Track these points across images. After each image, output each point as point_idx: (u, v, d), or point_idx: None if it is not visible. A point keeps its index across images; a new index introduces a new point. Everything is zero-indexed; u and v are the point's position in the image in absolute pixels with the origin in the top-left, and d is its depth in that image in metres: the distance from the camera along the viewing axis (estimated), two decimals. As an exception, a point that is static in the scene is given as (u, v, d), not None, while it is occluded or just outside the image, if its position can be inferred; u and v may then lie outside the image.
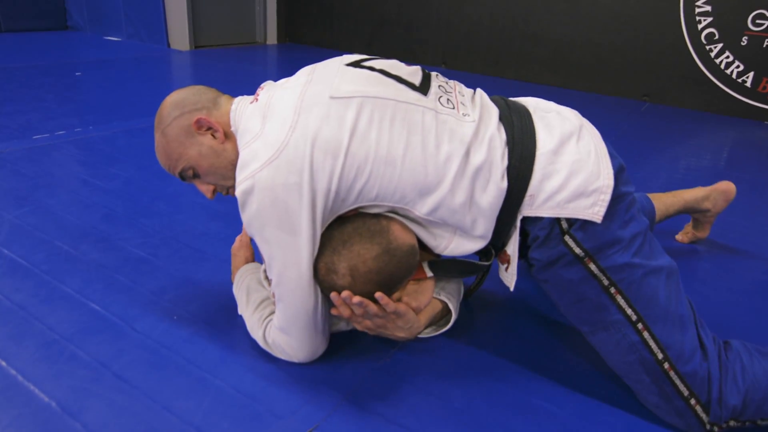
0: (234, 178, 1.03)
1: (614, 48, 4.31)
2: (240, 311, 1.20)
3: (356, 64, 1.06)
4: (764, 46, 3.78)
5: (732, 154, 3.31)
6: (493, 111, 1.05)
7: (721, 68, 3.97)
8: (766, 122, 3.92)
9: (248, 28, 5.87)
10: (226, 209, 1.84)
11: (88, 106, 3.04)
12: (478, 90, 1.14)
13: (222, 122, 1.07)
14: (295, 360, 1.09)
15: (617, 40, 4.28)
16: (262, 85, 1.11)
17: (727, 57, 3.92)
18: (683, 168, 2.90)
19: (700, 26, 3.96)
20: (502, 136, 1.00)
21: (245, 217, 0.97)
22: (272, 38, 6.00)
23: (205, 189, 1.13)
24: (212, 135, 1.07)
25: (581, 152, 0.99)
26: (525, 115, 1.06)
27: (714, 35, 3.92)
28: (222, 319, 1.26)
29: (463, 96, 1.08)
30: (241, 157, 0.97)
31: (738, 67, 3.91)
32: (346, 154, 0.93)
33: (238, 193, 0.95)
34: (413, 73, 1.07)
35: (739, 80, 3.93)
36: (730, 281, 1.64)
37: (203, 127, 1.06)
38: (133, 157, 2.27)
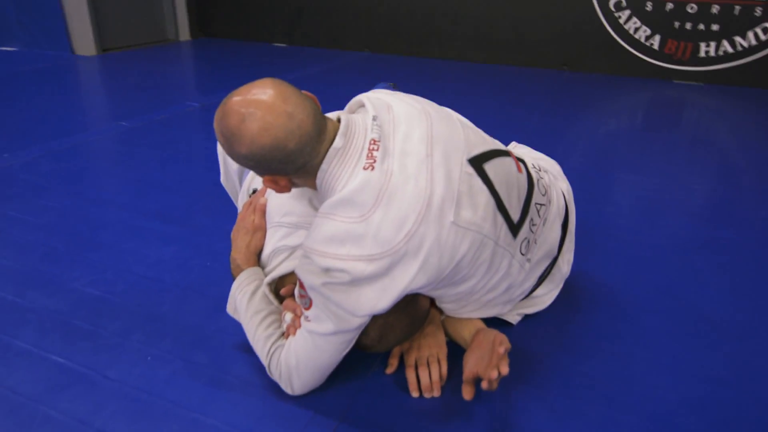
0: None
1: (531, 21, 4.44)
2: (234, 311, 1.17)
3: (479, 169, 1.00)
4: (666, 10, 4.03)
5: (647, 115, 3.55)
6: (550, 257, 1.25)
7: (630, 33, 4.21)
8: (674, 81, 4.20)
9: (158, 25, 5.56)
10: (177, 232, 1.76)
11: (-3, 130, 2.79)
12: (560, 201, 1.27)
13: (301, 180, 0.97)
14: (290, 393, 1.07)
15: (533, 13, 4.42)
16: (371, 127, 0.93)
17: (635, 23, 4.15)
18: (603, 132, 3.08)
19: (607, -6, 4.16)
20: (529, 285, 1.22)
21: (315, 278, 0.92)
22: (185, 34, 5.72)
23: None
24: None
25: None
26: None
27: (621, 3, 4.14)
28: (199, 353, 1.22)
29: (545, 224, 1.20)
30: (341, 228, 0.89)
31: (645, 31, 4.15)
32: (438, 281, 0.97)
33: (320, 262, 0.90)
34: (519, 197, 1.09)
35: (647, 43, 4.18)
36: (648, 236, 1.77)
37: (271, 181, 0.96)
38: (62, 183, 2.12)
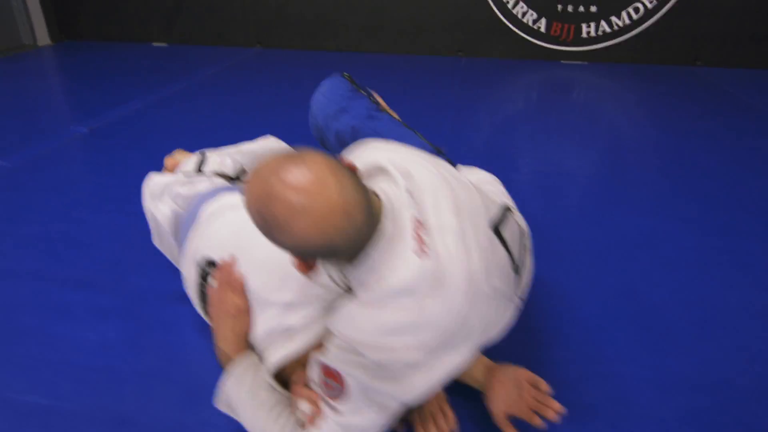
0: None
1: (425, 9, 4.46)
2: (227, 407, 1.06)
3: (498, 234, 1.03)
4: (549, -7, 4.24)
5: (540, 96, 3.83)
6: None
7: (518, 18, 4.37)
8: (561, 61, 4.46)
9: (9, 29, 4.82)
10: (111, 302, 1.55)
11: None
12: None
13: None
14: None
15: (425, 1, 4.43)
16: (413, 203, 0.90)
17: (522, 7, 4.32)
18: (502, 117, 3.26)
19: (494, -19, 4.28)
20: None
21: (361, 370, 0.89)
22: (44, 38, 5.03)
23: None
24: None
25: None
26: None
27: (508, -12, 4.28)
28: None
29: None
30: (396, 318, 0.86)
31: (532, 15, 4.34)
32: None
33: (374, 355, 0.87)
34: (521, 247, 1.13)
35: (535, 27, 4.38)
36: (579, 231, 1.91)
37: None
38: (-57, 254, 1.77)
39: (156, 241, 1.49)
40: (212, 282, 1.16)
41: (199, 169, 1.51)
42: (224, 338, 1.08)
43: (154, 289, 1.60)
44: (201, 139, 2.77)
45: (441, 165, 1.06)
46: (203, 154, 1.54)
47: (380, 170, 0.99)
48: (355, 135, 1.36)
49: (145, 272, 1.67)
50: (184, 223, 1.37)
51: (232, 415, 1.06)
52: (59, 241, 1.85)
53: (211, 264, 1.20)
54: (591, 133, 2.97)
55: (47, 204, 2.11)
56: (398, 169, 0.96)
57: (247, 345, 1.09)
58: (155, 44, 4.99)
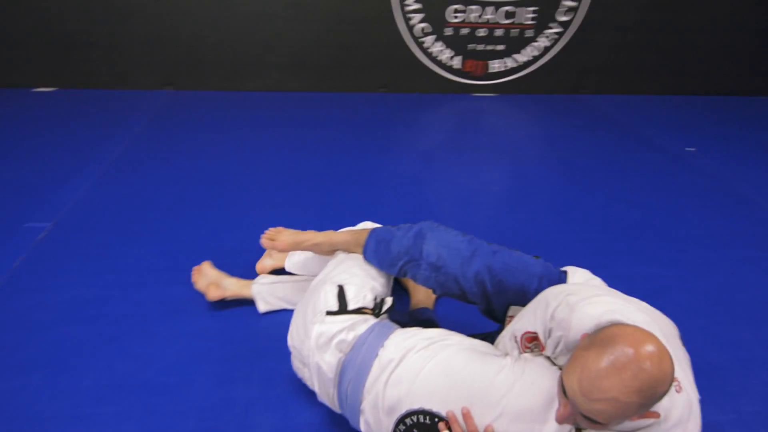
0: None
1: (347, 47, 4.54)
2: None
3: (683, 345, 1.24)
4: (462, 35, 4.60)
5: (454, 127, 4.32)
6: None
7: (434, 56, 4.68)
8: (473, 94, 4.88)
9: None
10: None
11: None
12: None
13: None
14: None
15: (347, 40, 4.52)
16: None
17: (439, 46, 4.63)
18: (423, 147, 3.80)
19: (411, 22, 4.52)
20: None
21: None
22: None
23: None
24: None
25: None
26: None
27: (425, 29, 4.55)
28: None
29: None
30: None
31: (448, 53, 4.67)
32: None
33: None
34: None
35: (450, 64, 4.73)
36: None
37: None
38: None
39: (324, 398, 1.49)
40: None
41: (342, 304, 1.51)
42: None
43: (288, 427, 1.57)
44: (176, 216, 2.69)
45: (632, 300, 1.28)
46: (340, 287, 1.55)
47: (612, 323, 1.18)
48: (491, 272, 1.52)
49: (267, 407, 1.62)
50: (349, 367, 1.39)
51: None
52: (139, 386, 1.67)
53: (420, 414, 1.27)
54: (497, 152, 3.53)
55: (75, 336, 1.85)
56: (630, 319, 1.16)
57: None
58: (40, 90, 4.34)
